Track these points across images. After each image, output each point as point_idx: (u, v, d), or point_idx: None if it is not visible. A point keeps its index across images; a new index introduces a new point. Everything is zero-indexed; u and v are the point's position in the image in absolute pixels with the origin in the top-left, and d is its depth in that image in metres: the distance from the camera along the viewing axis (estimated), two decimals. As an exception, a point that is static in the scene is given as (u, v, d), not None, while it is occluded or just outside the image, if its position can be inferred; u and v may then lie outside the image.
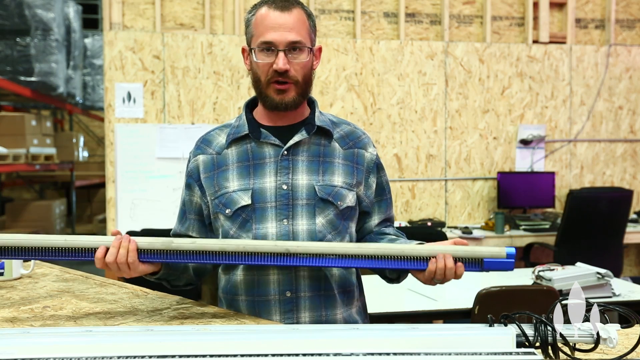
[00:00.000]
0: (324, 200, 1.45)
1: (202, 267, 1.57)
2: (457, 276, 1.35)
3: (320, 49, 1.52)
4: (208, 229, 1.55)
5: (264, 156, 1.47)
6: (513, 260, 1.35)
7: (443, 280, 1.35)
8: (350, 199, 1.48)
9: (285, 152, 1.46)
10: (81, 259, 1.36)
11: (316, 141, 1.50)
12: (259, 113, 1.53)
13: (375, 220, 1.57)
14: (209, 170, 1.50)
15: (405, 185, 4.78)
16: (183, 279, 1.53)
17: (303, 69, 1.44)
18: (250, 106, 1.56)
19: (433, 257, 1.34)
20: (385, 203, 1.59)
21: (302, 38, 1.42)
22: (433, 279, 1.36)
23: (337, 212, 1.46)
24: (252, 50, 1.44)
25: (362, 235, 1.58)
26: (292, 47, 1.41)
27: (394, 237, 1.55)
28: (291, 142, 1.47)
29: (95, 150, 10.43)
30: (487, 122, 4.90)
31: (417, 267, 1.35)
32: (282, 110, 1.47)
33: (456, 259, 1.35)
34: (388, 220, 1.60)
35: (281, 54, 1.40)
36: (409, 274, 1.52)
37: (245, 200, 1.44)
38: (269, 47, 1.41)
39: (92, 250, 1.33)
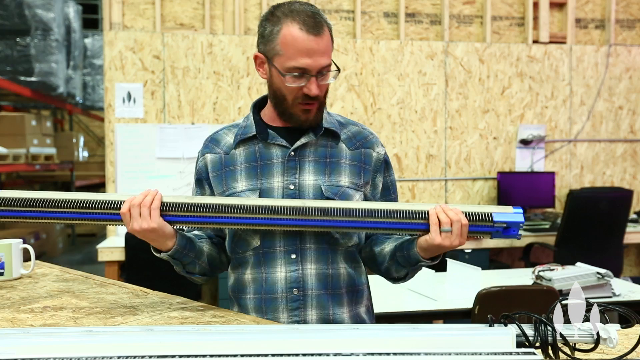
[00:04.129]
0: (330, 200, 1.45)
1: (217, 257, 1.55)
2: (463, 222, 1.32)
3: None
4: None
5: (271, 157, 1.48)
6: (521, 212, 1.34)
7: (452, 228, 1.32)
8: (357, 199, 1.49)
9: (292, 153, 1.47)
10: (110, 217, 1.39)
11: (323, 142, 1.50)
12: (267, 114, 1.54)
13: None
14: (217, 169, 1.51)
15: (405, 185, 4.78)
16: (197, 266, 1.50)
17: (326, 87, 1.45)
18: (257, 107, 1.56)
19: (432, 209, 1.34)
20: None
21: (330, 60, 1.42)
22: (441, 229, 1.32)
23: None
24: (274, 66, 1.41)
25: (369, 235, 1.57)
26: (323, 70, 1.41)
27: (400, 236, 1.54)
28: (298, 143, 1.47)
29: (95, 150, 10.44)
30: (487, 122, 4.90)
31: (421, 226, 1.35)
32: (305, 127, 1.47)
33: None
34: None
35: (313, 79, 1.40)
36: (417, 273, 1.50)
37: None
38: (302, 73, 1.39)
39: (120, 203, 1.37)
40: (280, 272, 1.45)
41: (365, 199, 1.52)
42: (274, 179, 1.46)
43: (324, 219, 1.35)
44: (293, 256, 1.45)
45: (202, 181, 1.55)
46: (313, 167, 1.47)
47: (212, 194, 1.53)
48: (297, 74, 1.39)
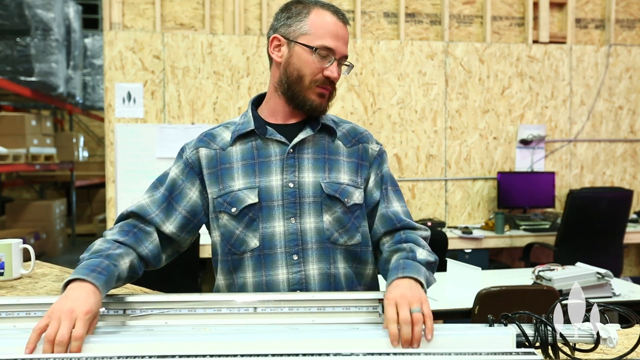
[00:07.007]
0: (330, 197, 1.44)
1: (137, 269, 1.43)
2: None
3: None
4: (190, 228, 1.48)
5: (269, 154, 1.46)
6: None
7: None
8: (357, 197, 1.48)
9: (291, 150, 1.46)
10: None
11: (321, 138, 1.50)
12: (265, 111, 1.53)
13: (381, 210, 1.50)
14: (212, 166, 1.48)
15: (405, 185, 4.77)
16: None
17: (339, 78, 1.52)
18: (255, 104, 1.55)
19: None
20: (385, 198, 1.52)
21: (347, 54, 1.51)
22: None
23: (344, 210, 1.45)
24: (299, 44, 1.44)
25: (376, 239, 1.51)
26: (342, 61, 1.48)
27: (396, 256, 1.43)
28: (297, 139, 1.46)
29: (95, 150, 10.44)
30: (487, 122, 4.90)
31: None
32: (315, 114, 1.48)
33: None
34: (399, 215, 1.50)
35: (335, 63, 1.45)
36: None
37: (252, 198, 1.43)
38: (328, 54, 1.44)
39: None
40: (282, 274, 1.42)
41: (364, 194, 1.51)
42: (272, 177, 1.44)
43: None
44: (295, 257, 1.42)
45: (193, 178, 1.47)
46: (312, 164, 1.46)
47: (204, 191, 1.47)
48: (324, 54, 1.44)
